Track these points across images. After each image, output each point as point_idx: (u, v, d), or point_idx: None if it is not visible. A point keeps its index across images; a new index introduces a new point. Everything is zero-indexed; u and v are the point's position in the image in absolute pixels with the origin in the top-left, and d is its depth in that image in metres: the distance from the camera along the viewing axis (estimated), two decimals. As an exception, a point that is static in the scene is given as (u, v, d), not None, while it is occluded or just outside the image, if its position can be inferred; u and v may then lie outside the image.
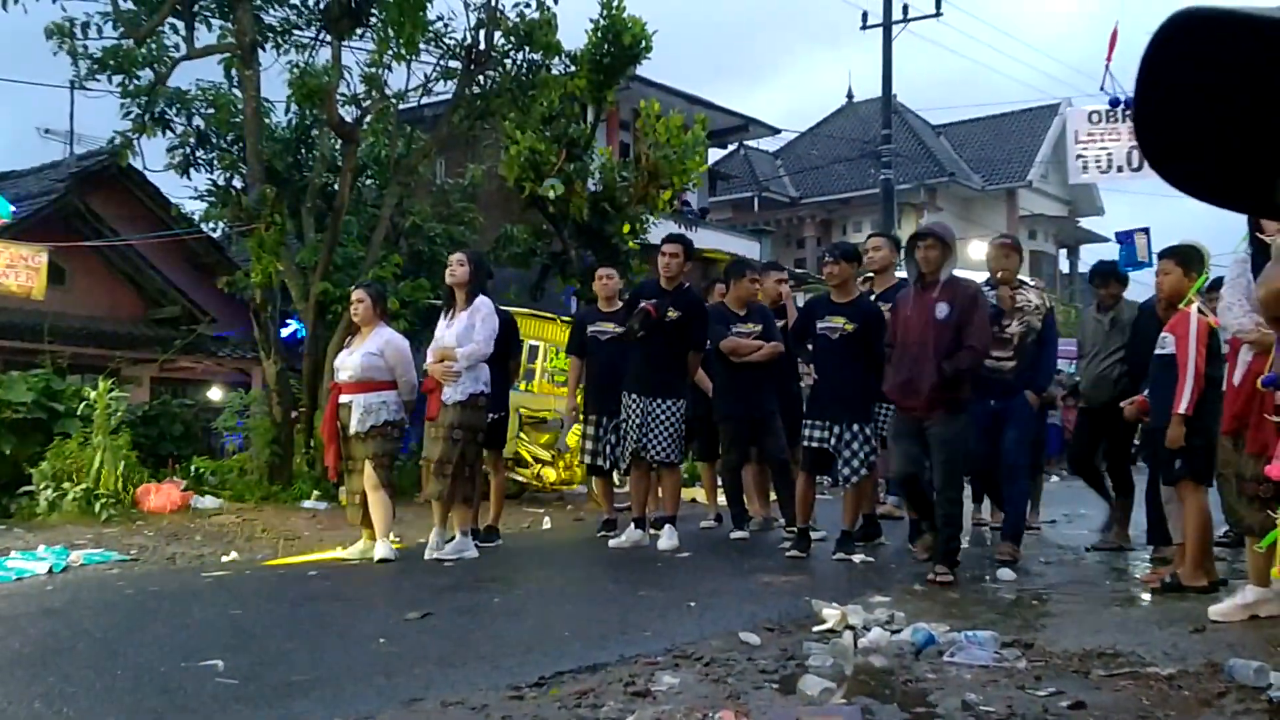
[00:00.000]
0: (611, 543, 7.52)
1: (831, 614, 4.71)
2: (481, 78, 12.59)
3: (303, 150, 13.41)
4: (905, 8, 22.45)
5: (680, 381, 7.49)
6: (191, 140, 12.52)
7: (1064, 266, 36.13)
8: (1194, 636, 4.55)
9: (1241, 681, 3.66)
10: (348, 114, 12.23)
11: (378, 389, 7.02)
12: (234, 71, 11.96)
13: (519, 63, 12.62)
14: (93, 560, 7.08)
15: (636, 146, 15.16)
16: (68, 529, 8.72)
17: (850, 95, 35.18)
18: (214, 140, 12.59)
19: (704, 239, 18.61)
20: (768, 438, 7.81)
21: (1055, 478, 8.50)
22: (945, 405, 6.11)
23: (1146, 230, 15.01)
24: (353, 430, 6.98)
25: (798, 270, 24.26)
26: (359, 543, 7.07)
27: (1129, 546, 7.58)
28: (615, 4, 14.24)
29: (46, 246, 12.63)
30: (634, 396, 7.37)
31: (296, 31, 12.38)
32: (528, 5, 12.31)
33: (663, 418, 7.31)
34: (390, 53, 11.76)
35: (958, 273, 6.82)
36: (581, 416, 8.22)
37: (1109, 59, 11.64)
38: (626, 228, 14.94)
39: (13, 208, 12.80)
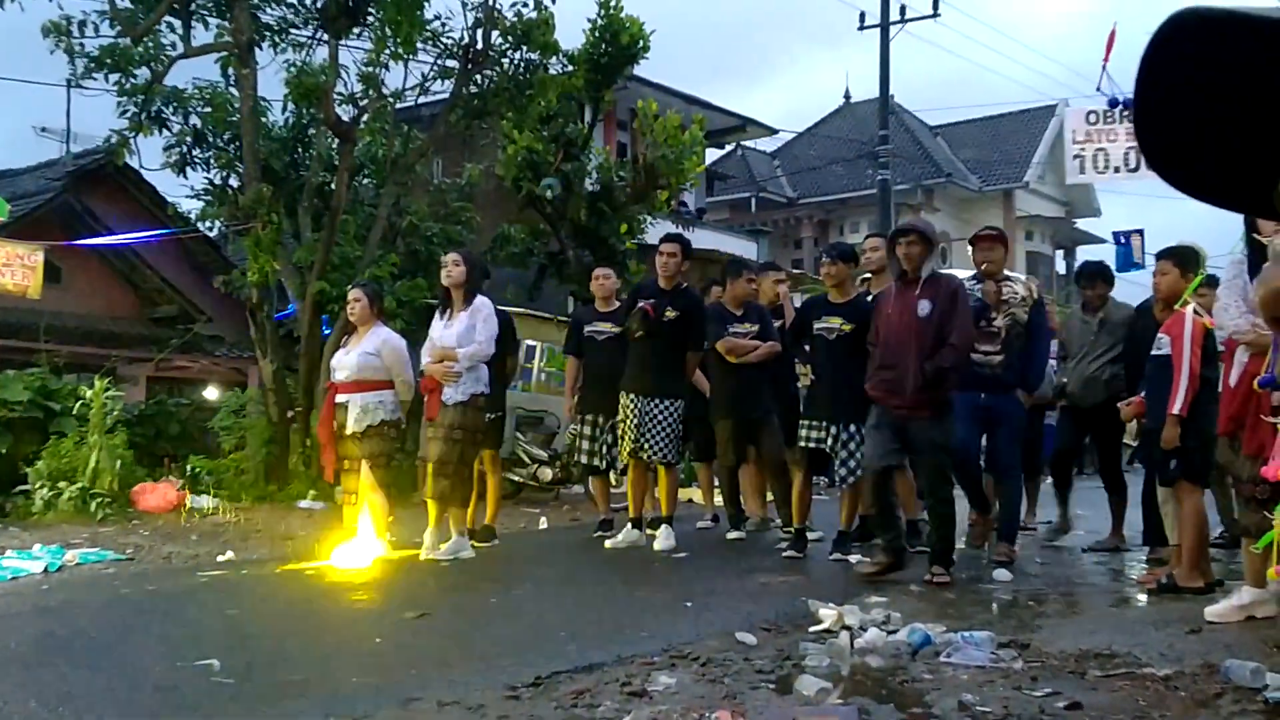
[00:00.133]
0: (608, 543, 7.52)
1: (828, 614, 4.71)
2: (479, 77, 12.60)
3: (300, 149, 13.40)
4: (903, 8, 22.46)
5: (678, 382, 7.49)
6: (188, 139, 12.51)
7: (1060, 268, 36.14)
8: (1190, 637, 4.55)
9: (1238, 682, 3.66)
10: (345, 113, 12.22)
11: (374, 389, 7.02)
12: (231, 70, 11.96)
13: (516, 62, 12.62)
14: (88, 560, 7.07)
15: (634, 146, 15.16)
16: (63, 528, 8.71)
17: (848, 96, 35.21)
18: (211, 139, 12.58)
19: (701, 239, 18.60)
20: (765, 438, 7.81)
21: (1052, 479, 8.49)
22: (930, 406, 6.06)
23: (1140, 232, 15.07)
24: (349, 430, 6.97)
25: (795, 270, 24.25)
26: (356, 543, 7.06)
27: (1125, 547, 7.59)
28: (613, 4, 14.24)
29: (43, 245, 12.60)
30: (632, 396, 7.37)
31: (293, 30, 12.39)
32: (525, 5, 12.33)
33: (660, 418, 7.31)
34: (387, 52, 11.77)
35: (958, 273, 6.83)
36: (578, 417, 8.21)
37: (1106, 59, 11.65)
38: (624, 228, 14.94)
39: (9, 206, 12.77)
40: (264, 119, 12.65)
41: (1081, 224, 35.71)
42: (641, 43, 14.52)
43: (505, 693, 3.60)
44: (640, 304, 7.42)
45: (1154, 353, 5.82)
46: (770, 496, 8.32)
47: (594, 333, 8.02)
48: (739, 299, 7.90)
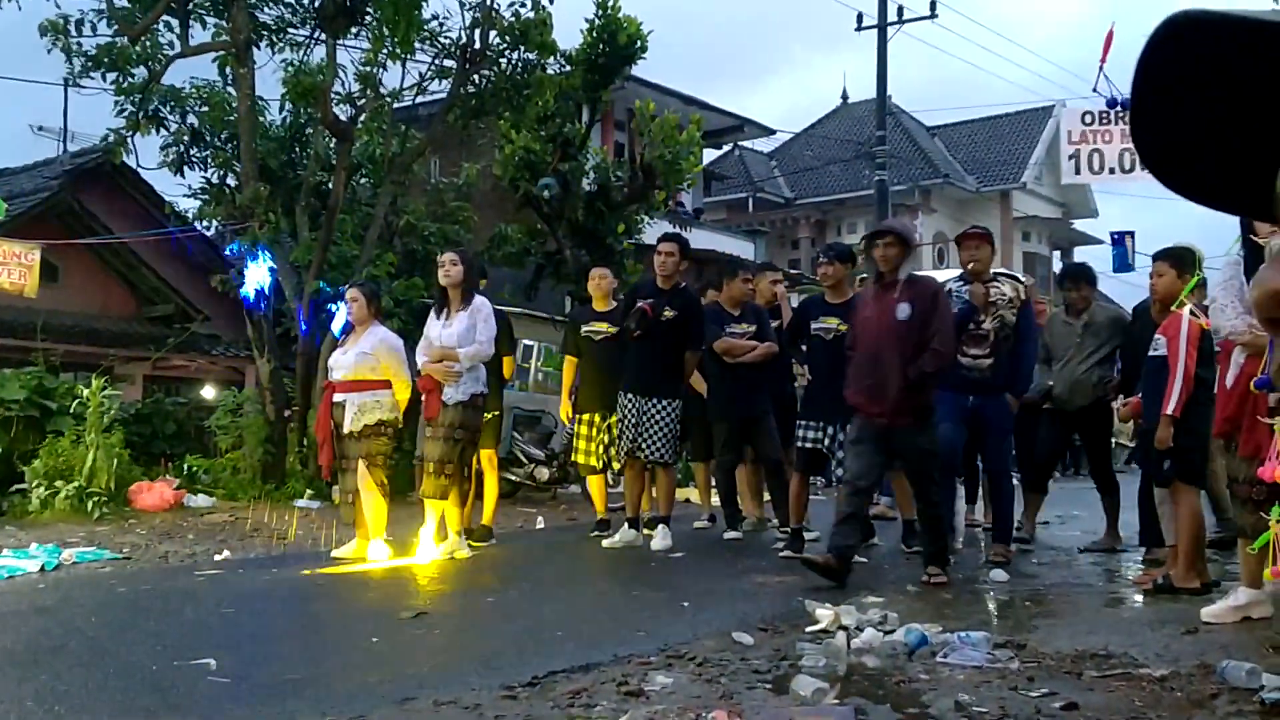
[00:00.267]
0: (605, 543, 7.52)
1: (825, 614, 4.72)
2: (476, 77, 12.60)
3: (297, 149, 13.40)
4: (900, 9, 22.46)
5: (676, 382, 7.49)
6: (185, 138, 12.51)
7: (1058, 268, 36.12)
8: (1186, 638, 4.56)
9: (1234, 683, 3.67)
10: (342, 112, 12.22)
11: (372, 388, 7.01)
12: (228, 69, 11.96)
13: (514, 62, 12.62)
14: (85, 558, 7.06)
15: (631, 146, 15.15)
16: (60, 527, 8.69)
17: (845, 96, 35.22)
18: (208, 138, 12.58)
19: (699, 239, 18.61)
20: (761, 438, 7.81)
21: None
22: (912, 413, 5.95)
23: (1130, 234, 15.08)
24: (346, 429, 6.97)
25: (792, 271, 24.27)
26: (352, 542, 7.06)
27: (1120, 547, 7.60)
28: (611, 4, 14.24)
29: (40, 244, 12.60)
30: (630, 396, 7.37)
31: (291, 30, 12.39)
32: (523, 5, 12.33)
33: (658, 418, 7.31)
34: (385, 51, 11.77)
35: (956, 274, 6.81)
36: (575, 416, 8.21)
37: (1103, 60, 11.66)
38: (621, 228, 14.94)
39: (6, 205, 12.76)
40: (261, 118, 12.65)
41: (1079, 225, 35.72)
42: (639, 43, 14.52)
43: (502, 692, 3.60)
44: (639, 304, 7.42)
45: (1151, 353, 5.83)
46: (767, 496, 8.33)
47: (591, 333, 8.02)
48: (736, 299, 7.90)
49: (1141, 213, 42.20)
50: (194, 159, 12.65)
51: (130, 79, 11.73)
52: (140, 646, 4.41)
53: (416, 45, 11.99)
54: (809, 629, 4.62)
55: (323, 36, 12.21)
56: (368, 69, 12.03)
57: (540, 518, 9.79)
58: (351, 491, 7.02)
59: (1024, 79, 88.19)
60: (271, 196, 11.71)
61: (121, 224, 16.27)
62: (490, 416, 7.58)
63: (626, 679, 3.76)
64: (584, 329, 8.09)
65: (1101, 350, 7.42)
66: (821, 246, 16.21)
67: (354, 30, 12.19)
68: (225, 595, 5.75)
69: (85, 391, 10.14)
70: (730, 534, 8.03)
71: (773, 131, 28.29)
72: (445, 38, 12.39)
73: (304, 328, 11.62)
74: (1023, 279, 7.59)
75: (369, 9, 11.87)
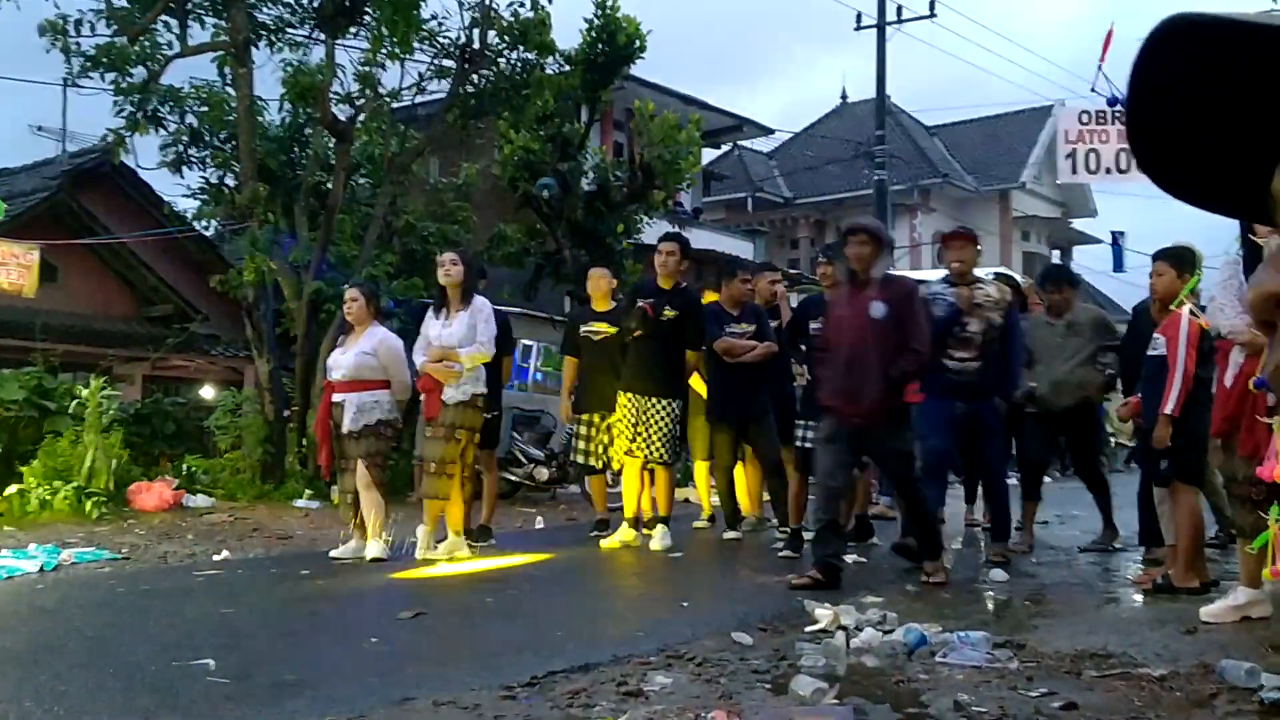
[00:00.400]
0: (604, 542, 7.53)
1: (824, 614, 4.72)
2: (475, 77, 12.60)
3: (296, 149, 13.39)
4: (899, 9, 22.46)
5: (676, 381, 7.49)
6: (184, 138, 12.50)
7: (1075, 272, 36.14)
8: (1186, 637, 4.56)
9: (1233, 682, 3.66)
10: (341, 112, 12.22)
11: (371, 388, 7.01)
12: (227, 69, 11.95)
13: (513, 62, 12.63)
14: (84, 559, 7.06)
15: (631, 146, 15.16)
16: (59, 527, 8.69)
17: (844, 96, 35.20)
18: (207, 138, 12.57)
19: (698, 239, 18.59)
20: (761, 438, 7.81)
21: (1048, 479, 8.48)
22: (888, 415, 5.85)
23: (1122, 234, 15.13)
24: (345, 429, 6.97)
25: (792, 271, 24.26)
26: (351, 542, 7.06)
27: (1118, 543, 7.59)
28: (609, 4, 14.25)
29: (39, 244, 12.61)
30: (630, 396, 7.37)
31: (290, 30, 12.39)
32: (522, 4, 12.34)
33: (658, 417, 7.31)
34: (384, 51, 11.77)
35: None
36: (575, 416, 8.21)
37: (1102, 59, 11.66)
38: (620, 227, 14.95)
39: (5, 205, 12.76)
40: (260, 118, 12.64)
41: (1078, 224, 35.72)
42: (638, 43, 14.53)
43: (501, 692, 3.59)
44: (639, 303, 7.42)
45: (1150, 353, 5.82)
46: (766, 496, 8.33)
47: (590, 333, 8.02)
48: (735, 299, 7.91)
49: (1141, 212, 42.24)
50: (193, 159, 12.65)
51: (129, 79, 11.72)
52: (139, 647, 4.41)
53: (415, 45, 12.00)
54: (808, 629, 4.62)
55: (321, 36, 12.22)
56: (367, 69, 12.02)
57: (539, 518, 9.79)
58: (350, 491, 7.02)
59: (1023, 79, 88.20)
60: (270, 196, 11.71)
61: (120, 224, 16.28)
62: (489, 416, 7.58)
63: (626, 679, 3.75)
64: (583, 329, 8.09)
65: (1085, 351, 7.41)
66: (821, 246, 16.24)
67: (353, 30, 12.19)
68: (225, 595, 5.75)
69: (84, 392, 10.15)
70: (729, 534, 8.03)
71: (772, 131, 28.30)
72: (444, 37, 12.41)
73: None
74: (1020, 279, 7.58)
75: (368, 9, 11.87)
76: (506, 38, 12.45)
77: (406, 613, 5.03)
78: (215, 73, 12.18)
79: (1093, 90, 11.88)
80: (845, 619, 4.65)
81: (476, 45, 12.34)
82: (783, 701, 3.53)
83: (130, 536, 8.31)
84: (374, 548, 6.85)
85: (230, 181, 12.54)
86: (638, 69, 15.71)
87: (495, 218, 15.75)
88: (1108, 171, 12.45)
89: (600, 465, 8.07)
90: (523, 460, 11.48)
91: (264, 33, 12.16)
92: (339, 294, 8.80)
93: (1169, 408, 5.49)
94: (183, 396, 14.80)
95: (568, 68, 13.93)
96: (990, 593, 5.93)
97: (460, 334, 6.89)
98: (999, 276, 8.98)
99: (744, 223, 29.60)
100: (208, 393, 15.59)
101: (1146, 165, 0.73)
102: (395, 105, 13.07)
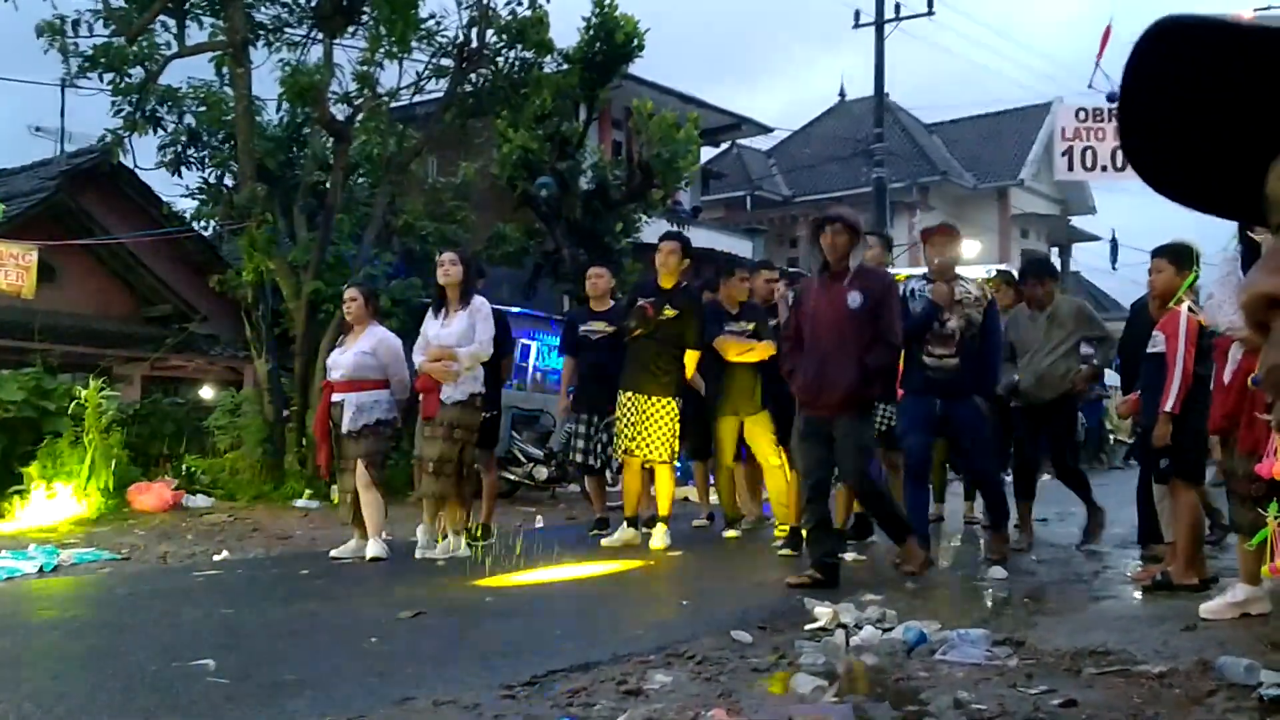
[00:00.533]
0: (604, 541, 7.53)
1: (823, 612, 4.72)
2: (474, 76, 12.60)
3: (294, 148, 13.39)
4: (897, 6, 22.47)
5: (676, 381, 7.49)
6: (183, 138, 12.51)
7: (1056, 265, 36.17)
8: (1185, 634, 4.56)
9: (1232, 679, 3.67)
10: (339, 112, 12.22)
11: (370, 388, 7.01)
12: (225, 69, 11.95)
13: (511, 61, 12.63)
14: (84, 559, 7.06)
15: (629, 145, 15.17)
16: (58, 528, 8.69)
17: (843, 94, 35.18)
18: (205, 138, 12.58)
19: (697, 238, 18.57)
20: (760, 436, 7.81)
21: (1045, 475, 8.47)
22: (858, 405, 5.82)
23: (1113, 232, 15.11)
24: (345, 429, 6.97)
25: (791, 269, 24.26)
26: (351, 542, 7.06)
27: (1102, 522, 7.57)
28: (607, 2, 14.25)
29: (37, 244, 12.58)
30: (629, 395, 7.37)
31: (288, 29, 12.39)
32: (520, 3, 12.34)
33: (658, 416, 7.31)
34: (382, 51, 11.77)
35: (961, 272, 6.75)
36: (573, 416, 8.21)
37: (1100, 55, 11.68)
38: (619, 226, 14.95)
39: (4, 206, 12.75)
40: (259, 118, 12.64)
41: (1076, 221, 35.73)
42: (636, 41, 14.53)
43: (501, 691, 3.59)
44: (640, 302, 7.42)
45: (1149, 350, 5.82)
46: (765, 495, 8.33)
47: (588, 332, 8.03)
48: (734, 298, 7.91)
49: (1140, 210, 42.36)
50: (191, 159, 12.65)
51: (127, 79, 11.72)
52: (139, 647, 4.41)
53: (413, 44, 11.99)
54: (808, 627, 4.62)
55: (320, 36, 12.21)
56: (365, 68, 12.02)
57: (539, 517, 9.79)
58: (350, 491, 7.02)
59: (1022, 76, 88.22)
60: (269, 196, 11.70)
61: (119, 224, 16.25)
62: (489, 416, 7.58)
63: (625, 678, 3.76)
64: (582, 328, 8.09)
65: (1068, 342, 7.37)
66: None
67: (351, 29, 12.18)
68: (225, 595, 5.75)
69: (83, 392, 10.14)
70: (729, 532, 8.03)
71: (770, 129, 28.30)
72: (442, 37, 12.40)
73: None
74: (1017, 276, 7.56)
75: (366, 8, 11.86)
76: (504, 37, 12.45)
77: (406, 613, 5.03)
78: (213, 73, 12.20)
79: (1090, 87, 11.91)
80: (845, 617, 4.65)
81: (475, 44, 12.34)
82: (782, 700, 3.53)
83: (130, 537, 8.30)
84: (374, 547, 6.85)
85: (229, 181, 12.55)
86: (636, 67, 15.71)
87: (494, 217, 15.76)
88: (1104, 169, 12.48)
89: (599, 464, 8.07)
90: (522, 459, 11.48)
91: (262, 32, 12.16)
92: (338, 294, 8.80)
93: (1169, 405, 5.49)
94: (182, 397, 14.79)
95: (566, 66, 13.93)
96: (989, 590, 5.93)
97: (458, 333, 6.89)
98: (999, 274, 8.98)
99: (743, 221, 29.59)
100: (207, 393, 15.58)
101: (1140, 166, 0.73)
102: (393, 105, 13.07)
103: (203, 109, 12.38)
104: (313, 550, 7.59)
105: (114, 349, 15.42)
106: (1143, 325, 6.45)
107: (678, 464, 8.12)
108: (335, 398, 7.06)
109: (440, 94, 12.76)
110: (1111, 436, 18.96)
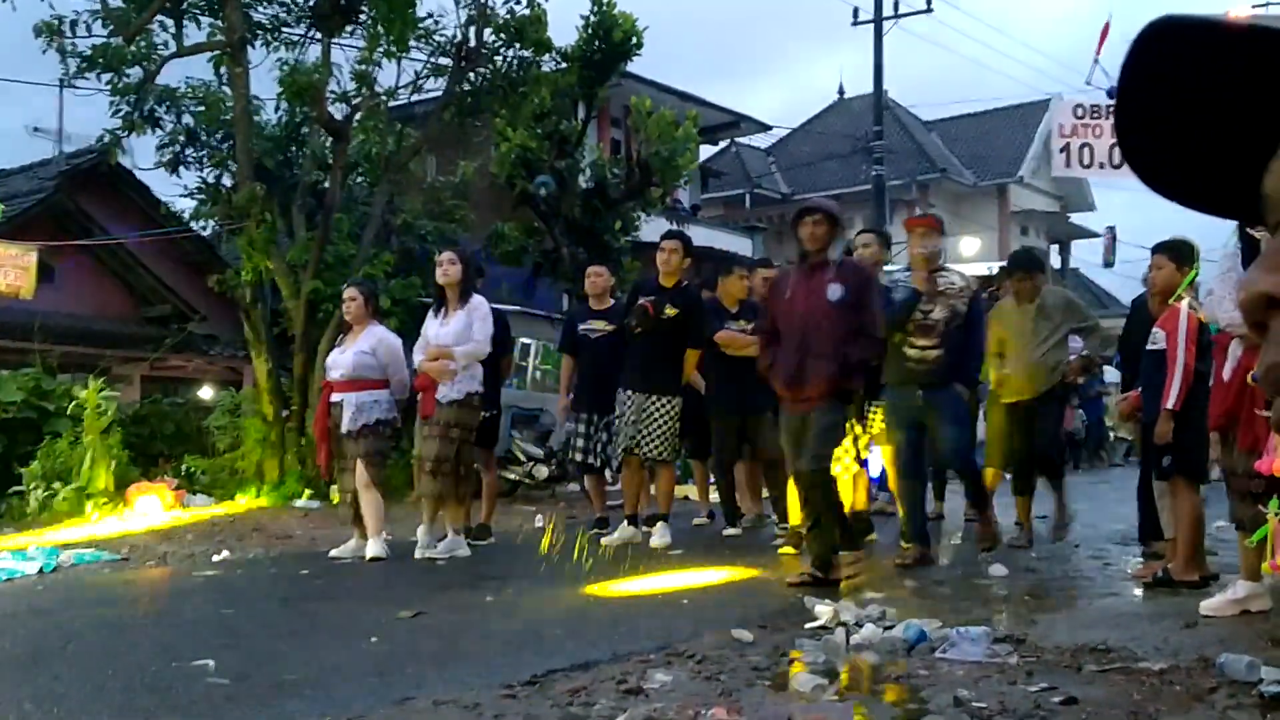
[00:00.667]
0: (604, 540, 7.52)
1: (824, 611, 4.72)
2: (472, 75, 12.59)
3: (293, 148, 13.39)
4: (896, 4, 22.46)
5: (677, 379, 7.48)
6: (181, 138, 12.50)
7: (1055, 262, 36.16)
8: (1185, 631, 4.55)
9: (1233, 676, 3.66)
10: (338, 111, 12.21)
11: (370, 388, 7.00)
12: (223, 69, 11.94)
13: (509, 60, 12.62)
14: (83, 560, 7.06)
15: (628, 143, 15.17)
16: (58, 529, 8.69)
17: (841, 91, 35.18)
18: (203, 138, 12.57)
19: (696, 236, 18.55)
20: (760, 435, 7.80)
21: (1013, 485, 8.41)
22: (836, 395, 5.72)
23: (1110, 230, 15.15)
24: (344, 429, 6.96)
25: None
26: (351, 541, 7.05)
27: (1069, 519, 7.52)
28: (606, 0, 14.24)
29: (36, 245, 12.58)
30: (629, 393, 7.36)
31: (286, 29, 12.37)
32: (518, 2, 12.32)
33: (658, 415, 7.30)
34: (380, 50, 11.76)
35: (959, 269, 6.73)
36: (573, 415, 8.20)
37: (1098, 52, 11.67)
38: (618, 225, 14.95)
39: (2, 206, 12.75)
40: (257, 118, 12.64)
41: (1076, 218, 35.73)
42: (635, 39, 14.52)
43: (501, 691, 3.59)
44: (640, 301, 7.42)
45: (1149, 347, 5.81)
46: (766, 493, 8.33)
47: (587, 331, 8.01)
48: (734, 296, 7.90)
49: (1139, 207, 42.31)
50: (189, 159, 12.65)
51: (125, 79, 11.71)
52: (139, 648, 4.41)
53: (412, 43, 11.98)
54: (808, 625, 4.62)
55: (318, 35, 12.20)
56: (363, 67, 12.01)
57: (539, 516, 9.78)
58: (349, 491, 7.02)
59: (1021, 73, 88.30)
60: (267, 196, 11.69)
61: (118, 225, 16.24)
62: (488, 415, 7.57)
63: (625, 677, 3.75)
64: (581, 327, 8.08)
65: (1056, 334, 7.34)
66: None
67: (349, 29, 12.17)
68: (225, 595, 5.75)
69: (83, 393, 10.14)
70: (729, 531, 8.03)
71: (769, 127, 28.31)
72: (440, 36, 12.39)
73: None
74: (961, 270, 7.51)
75: (364, 7, 11.85)
76: (503, 35, 12.44)
77: (406, 612, 5.03)
78: (211, 72, 12.20)
79: (1088, 84, 11.91)
80: (845, 615, 4.65)
81: (473, 43, 12.33)
82: (783, 698, 3.53)
83: (130, 537, 8.30)
84: (373, 547, 6.84)
85: (227, 181, 12.53)
86: (634, 66, 15.70)
87: (493, 216, 15.76)
88: (1100, 166, 12.47)
89: (598, 463, 8.07)
90: (522, 459, 11.47)
91: (260, 32, 12.15)
92: (337, 293, 8.79)
93: (1170, 402, 5.48)
94: (181, 397, 14.79)
95: (564, 65, 13.92)
96: (990, 588, 5.92)
97: (455, 332, 6.89)
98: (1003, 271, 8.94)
99: (742, 219, 29.58)
100: (206, 393, 15.58)
101: (1137, 166, 0.73)
102: (392, 104, 13.06)
103: (201, 109, 12.38)
104: (313, 550, 7.58)
105: (113, 349, 15.41)
106: (1142, 322, 6.43)
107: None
108: (335, 397, 7.05)
109: (439, 93, 12.76)
110: (1111, 434, 18.96)
